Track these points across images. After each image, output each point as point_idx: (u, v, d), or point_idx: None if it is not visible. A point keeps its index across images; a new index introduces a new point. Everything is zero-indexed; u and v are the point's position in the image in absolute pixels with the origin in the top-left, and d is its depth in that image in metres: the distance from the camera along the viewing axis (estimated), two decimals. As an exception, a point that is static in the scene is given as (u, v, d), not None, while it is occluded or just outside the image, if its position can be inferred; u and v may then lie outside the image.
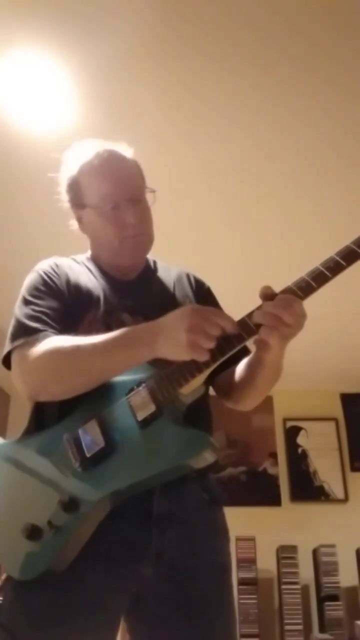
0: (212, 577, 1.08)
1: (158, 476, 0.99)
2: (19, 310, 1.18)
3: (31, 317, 1.15)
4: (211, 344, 0.96)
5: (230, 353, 1.01)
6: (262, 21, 2.16)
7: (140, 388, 1.05)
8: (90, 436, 1.03)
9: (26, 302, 1.18)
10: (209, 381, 1.17)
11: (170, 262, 1.42)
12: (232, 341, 1.00)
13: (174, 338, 0.98)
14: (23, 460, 1.09)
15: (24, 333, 1.13)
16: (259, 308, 1.01)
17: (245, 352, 1.13)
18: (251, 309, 1.02)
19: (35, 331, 1.12)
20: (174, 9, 2.12)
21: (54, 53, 2.25)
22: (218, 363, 1.02)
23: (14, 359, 1.14)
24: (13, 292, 1.25)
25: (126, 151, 1.29)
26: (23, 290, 1.22)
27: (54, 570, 0.95)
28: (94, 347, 1.05)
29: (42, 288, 1.20)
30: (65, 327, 1.14)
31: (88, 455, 1.01)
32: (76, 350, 1.07)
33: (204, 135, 2.64)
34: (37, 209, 2.76)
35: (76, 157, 1.27)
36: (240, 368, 1.18)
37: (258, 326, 0.99)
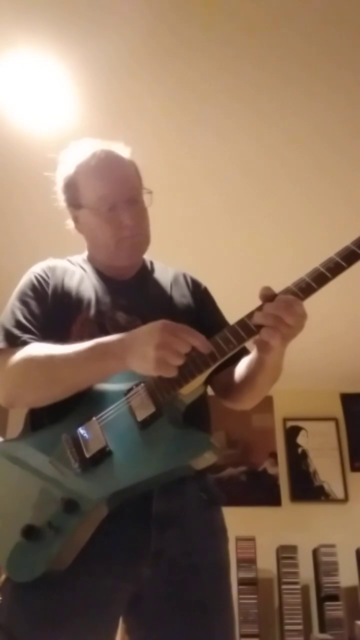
0: (210, 577, 1.08)
1: (158, 477, 0.99)
2: (4, 315, 1.19)
3: (14, 324, 1.16)
4: (179, 362, 0.97)
5: (229, 355, 1.01)
6: (262, 21, 2.16)
7: (140, 388, 1.05)
8: (90, 436, 1.03)
9: (12, 307, 1.20)
10: (208, 381, 1.17)
11: (170, 262, 1.42)
12: (222, 348, 1.00)
13: (142, 353, 0.98)
14: (21, 460, 1.09)
15: (5, 339, 1.14)
16: (259, 309, 1.01)
17: (244, 351, 1.13)
18: (251, 309, 1.02)
19: (16, 338, 1.14)
20: (174, 9, 2.11)
21: (54, 53, 2.25)
22: (218, 364, 1.02)
23: None
24: (12, 292, 1.25)
25: (123, 151, 1.28)
26: (13, 294, 1.23)
27: (53, 571, 0.95)
28: (67, 358, 1.06)
29: (30, 293, 1.21)
30: (54, 331, 1.15)
31: (87, 455, 1.01)
32: (49, 360, 1.07)
33: (204, 135, 2.64)
34: (37, 208, 2.75)
35: (73, 157, 1.26)
36: (240, 368, 1.18)
37: (258, 327, 1.00)
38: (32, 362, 1.09)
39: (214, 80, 2.38)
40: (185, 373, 1.01)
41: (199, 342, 0.98)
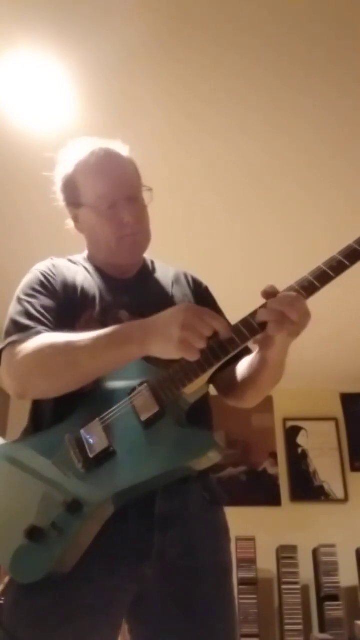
0: (213, 578, 1.08)
1: (162, 477, 0.99)
2: (12, 309, 1.17)
3: (24, 315, 1.14)
4: (202, 344, 0.95)
5: (232, 354, 1.01)
6: (262, 21, 2.16)
7: (143, 388, 1.04)
8: (93, 437, 1.02)
9: (20, 301, 1.18)
10: (210, 380, 1.17)
11: (171, 261, 1.41)
12: (226, 347, 1.00)
13: (166, 334, 0.97)
14: (25, 461, 1.09)
15: (17, 330, 1.12)
16: (262, 307, 1.00)
17: (246, 350, 1.13)
18: (252, 308, 1.02)
19: (28, 328, 1.11)
20: (174, 9, 2.11)
21: (54, 53, 2.25)
22: (222, 362, 1.02)
23: (4, 355, 1.12)
24: (12, 293, 1.25)
25: (122, 149, 1.28)
26: (18, 290, 1.22)
27: (56, 573, 0.95)
28: (86, 344, 1.04)
29: (38, 287, 1.20)
30: (61, 327, 1.14)
31: (91, 456, 1.00)
32: (68, 345, 1.05)
33: (204, 135, 2.64)
34: (37, 208, 2.75)
35: (71, 156, 1.26)
36: (243, 366, 1.18)
37: (261, 326, 0.99)
38: (50, 349, 1.06)
39: (213, 80, 2.38)
40: (189, 372, 1.01)
41: (222, 326, 0.97)
